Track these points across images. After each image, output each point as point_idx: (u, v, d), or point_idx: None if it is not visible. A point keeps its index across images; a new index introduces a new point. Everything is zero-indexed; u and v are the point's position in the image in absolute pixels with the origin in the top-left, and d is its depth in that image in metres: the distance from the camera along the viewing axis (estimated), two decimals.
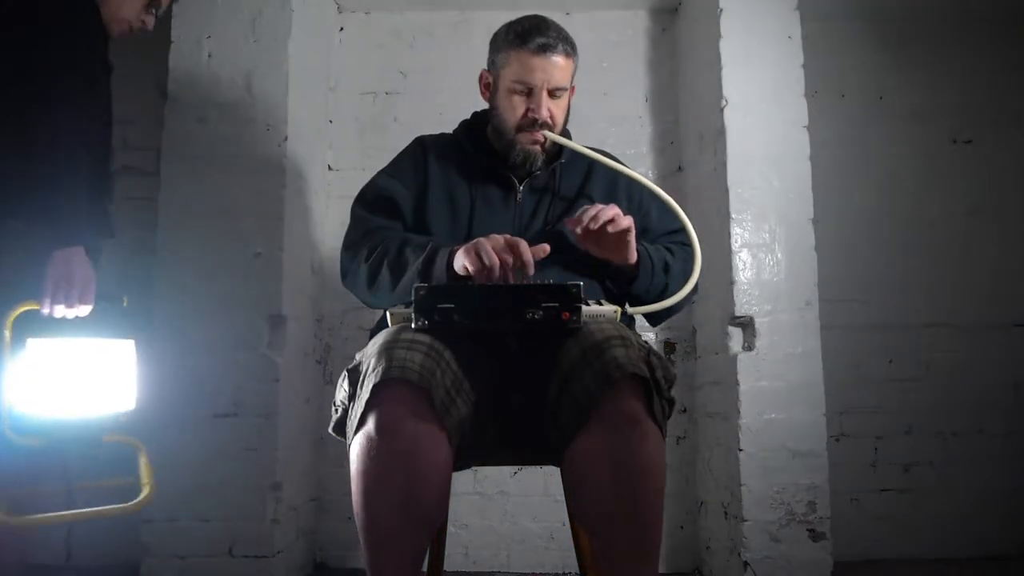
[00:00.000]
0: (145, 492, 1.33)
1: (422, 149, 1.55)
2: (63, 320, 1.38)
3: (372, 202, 1.49)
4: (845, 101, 2.77)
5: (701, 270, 1.40)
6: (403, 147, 1.61)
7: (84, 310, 1.40)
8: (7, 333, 1.30)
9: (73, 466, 1.47)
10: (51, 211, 1.37)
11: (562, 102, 1.47)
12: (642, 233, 1.53)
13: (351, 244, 1.46)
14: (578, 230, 1.32)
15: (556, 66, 1.42)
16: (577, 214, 1.33)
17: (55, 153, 1.38)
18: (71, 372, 1.34)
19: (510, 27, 1.47)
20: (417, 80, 2.79)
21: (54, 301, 1.37)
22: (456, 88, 2.62)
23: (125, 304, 1.52)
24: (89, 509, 1.38)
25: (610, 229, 1.31)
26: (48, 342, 1.33)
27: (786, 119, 2.28)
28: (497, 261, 1.22)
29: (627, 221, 1.33)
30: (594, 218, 1.30)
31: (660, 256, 1.45)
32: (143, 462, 1.37)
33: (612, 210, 1.32)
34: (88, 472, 1.46)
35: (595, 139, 1.58)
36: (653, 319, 1.52)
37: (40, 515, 1.34)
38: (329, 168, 2.76)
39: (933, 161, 2.77)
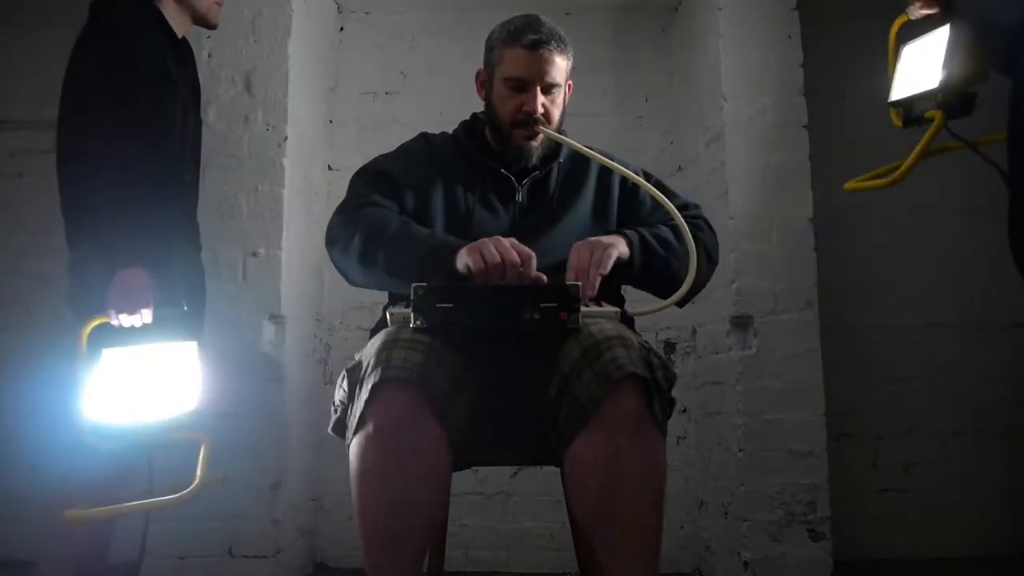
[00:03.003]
0: (192, 486, 1.37)
1: (426, 144, 1.55)
2: (132, 330, 1.48)
3: (373, 179, 1.47)
4: (845, 101, 2.77)
5: (711, 258, 1.42)
6: None
7: (147, 316, 1.49)
8: (83, 343, 1.38)
9: (161, 466, 1.54)
10: (106, 237, 1.51)
11: (557, 99, 1.47)
12: (639, 222, 1.53)
13: (346, 210, 1.42)
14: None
15: (549, 62, 1.42)
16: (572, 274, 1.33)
17: (97, 183, 1.50)
18: (142, 376, 1.43)
19: (503, 25, 1.48)
20: (417, 80, 2.79)
21: (117, 312, 1.47)
22: (456, 88, 2.61)
23: (185, 308, 1.62)
24: (133, 503, 1.43)
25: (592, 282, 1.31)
26: (120, 351, 1.41)
27: (786, 119, 2.28)
28: (499, 259, 1.22)
29: (603, 259, 1.32)
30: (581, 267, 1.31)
31: (654, 232, 1.43)
32: (202, 455, 1.42)
33: (583, 264, 1.32)
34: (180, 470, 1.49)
35: (594, 138, 1.58)
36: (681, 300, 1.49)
37: (92, 509, 1.40)
38: (329, 168, 2.76)
39: (933, 161, 2.76)
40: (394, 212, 1.41)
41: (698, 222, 1.48)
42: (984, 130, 1.38)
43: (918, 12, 1.43)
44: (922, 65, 1.42)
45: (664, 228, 1.46)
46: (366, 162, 1.52)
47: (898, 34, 1.51)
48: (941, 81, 1.35)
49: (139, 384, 1.41)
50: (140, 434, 1.42)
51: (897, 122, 1.55)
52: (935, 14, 1.40)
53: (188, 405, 1.48)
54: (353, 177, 1.49)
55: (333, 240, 1.41)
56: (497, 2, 2.64)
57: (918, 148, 1.39)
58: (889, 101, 1.51)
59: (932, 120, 1.39)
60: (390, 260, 1.33)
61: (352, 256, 1.37)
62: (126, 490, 1.56)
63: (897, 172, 1.44)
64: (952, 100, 1.34)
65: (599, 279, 1.31)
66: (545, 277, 1.26)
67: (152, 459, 1.56)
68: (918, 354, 2.67)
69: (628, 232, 1.41)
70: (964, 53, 1.33)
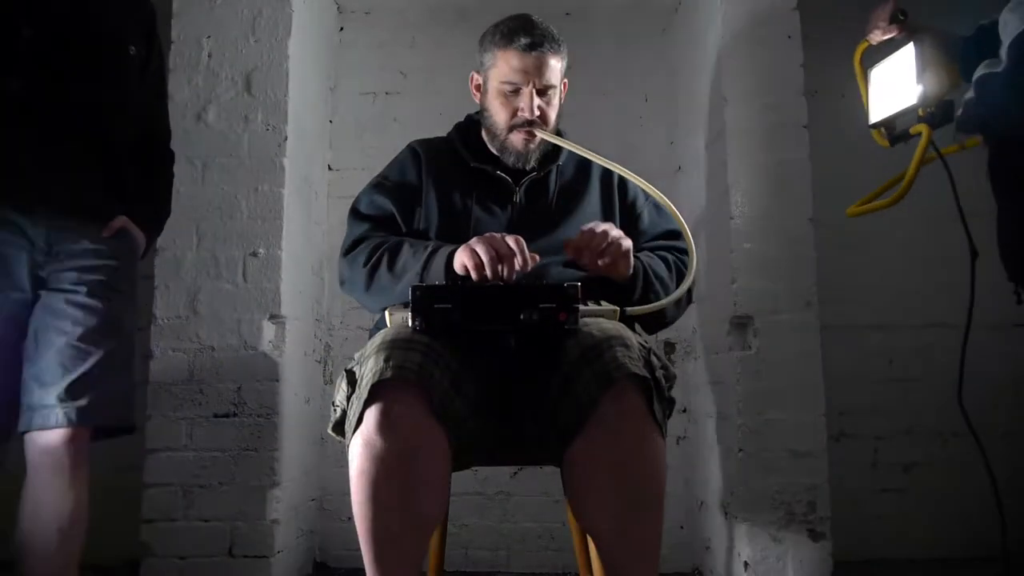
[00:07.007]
0: None
1: (416, 155, 1.55)
2: None
3: (367, 210, 1.50)
4: (845, 101, 2.76)
5: (697, 274, 1.41)
6: (403, 147, 1.61)
7: None
8: None
9: None
10: None
11: (552, 100, 1.47)
12: (635, 236, 1.53)
13: (348, 251, 1.46)
14: (582, 258, 1.33)
15: (543, 64, 1.42)
16: (577, 237, 1.33)
17: None
18: None
19: (496, 27, 1.47)
20: (417, 80, 2.79)
21: None
22: (456, 88, 2.60)
23: None
24: None
25: (607, 258, 1.32)
26: None
27: (786, 119, 2.28)
28: (495, 253, 1.22)
29: (627, 242, 1.34)
30: (596, 242, 1.31)
31: (653, 267, 1.45)
32: None
33: (612, 231, 1.32)
34: None
35: (595, 139, 1.58)
36: (649, 327, 1.51)
37: None
38: (329, 168, 2.76)
39: (934, 162, 2.76)
40: (390, 237, 1.43)
41: (684, 258, 1.49)
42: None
43: (880, 37, 1.50)
44: (894, 85, 1.48)
45: (660, 264, 1.47)
46: (358, 193, 1.55)
47: (862, 60, 1.59)
48: (920, 96, 1.41)
49: None
50: None
51: (882, 142, 1.60)
52: (896, 36, 1.46)
53: None
54: (349, 215, 1.52)
55: (341, 280, 1.48)
56: (497, 2, 2.64)
57: (913, 165, 1.48)
58: (870, 124, 1.57)
59: (918, 134, 1.45)
60: (394, 283, 1.36)
61: (359, 290, 1.43)
62: None
63: (898, 191, 1.52)
64: (934, 111, 1.41)
65: (605, 257, 1.31)
66: (538, 257, 1.26)
67: None
68: (918, 354, 2.67)
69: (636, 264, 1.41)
70: (934, 66, 1.39)
